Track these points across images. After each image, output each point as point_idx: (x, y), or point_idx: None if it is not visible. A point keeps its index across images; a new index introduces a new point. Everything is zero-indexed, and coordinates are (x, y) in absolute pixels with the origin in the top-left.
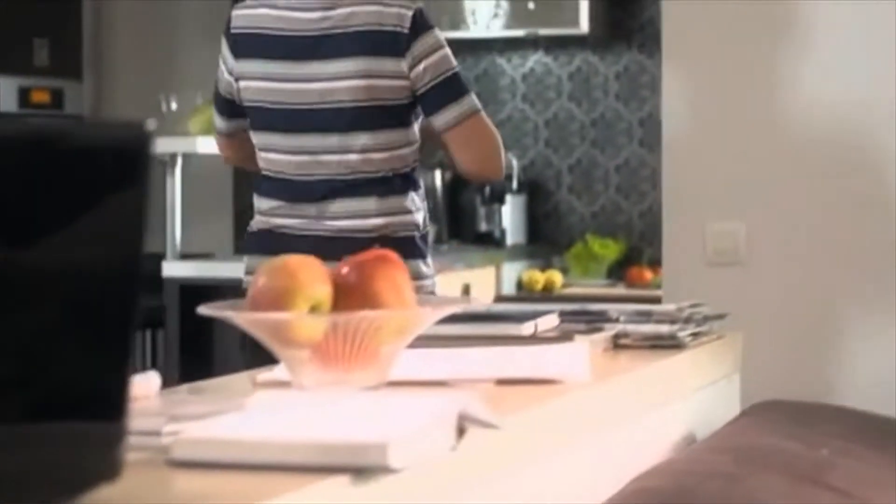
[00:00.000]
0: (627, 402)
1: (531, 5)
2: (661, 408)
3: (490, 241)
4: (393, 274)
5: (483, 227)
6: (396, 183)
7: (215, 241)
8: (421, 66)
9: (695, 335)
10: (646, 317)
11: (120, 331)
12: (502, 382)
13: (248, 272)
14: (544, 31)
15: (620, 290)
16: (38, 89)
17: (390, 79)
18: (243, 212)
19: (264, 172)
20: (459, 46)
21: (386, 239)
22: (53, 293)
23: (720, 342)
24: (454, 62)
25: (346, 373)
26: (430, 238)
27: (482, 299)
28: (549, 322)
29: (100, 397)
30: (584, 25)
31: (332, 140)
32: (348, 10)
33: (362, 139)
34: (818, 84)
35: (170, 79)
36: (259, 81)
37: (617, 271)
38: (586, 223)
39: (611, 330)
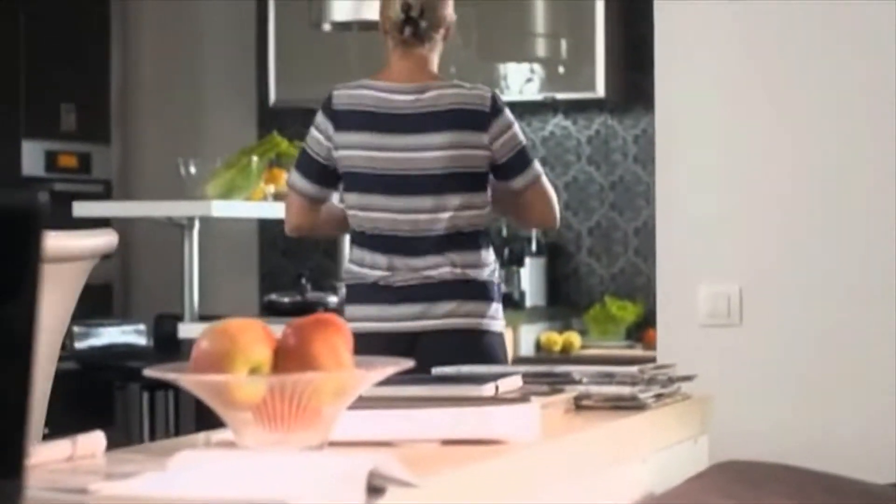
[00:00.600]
0: (577, 461)
1: (561, 69)
2: (616, 468)
3: (509, 303)
4: (331, 337)
5: (502, 288)
6: (475, 239)
7: (238, 303)
8: (500, 141)
9: (658, 396)
10: (608, 378)
11: (17, 392)
12: (448, 443)
13: (350, 320)
14: (562, 96)
15: (638, 351)
16: (65, 153)
17: (473, 149)
18: (269, 274)
19: (359, 230)
20: None
21: (460, 282)
22: None
23: (686, 403)
24: (522, 136)
25: (288, 433)
26: None
27: None
28: (511, 384)
29: None
30: (600, 89)
31: (426, 201)
32: (436, 92)
33: (451, 200)
34: (812, 145)
35: (191, 143)
36: (361, 151)
37: (635, 333)
38: (606, 285)
39: (572, 391)
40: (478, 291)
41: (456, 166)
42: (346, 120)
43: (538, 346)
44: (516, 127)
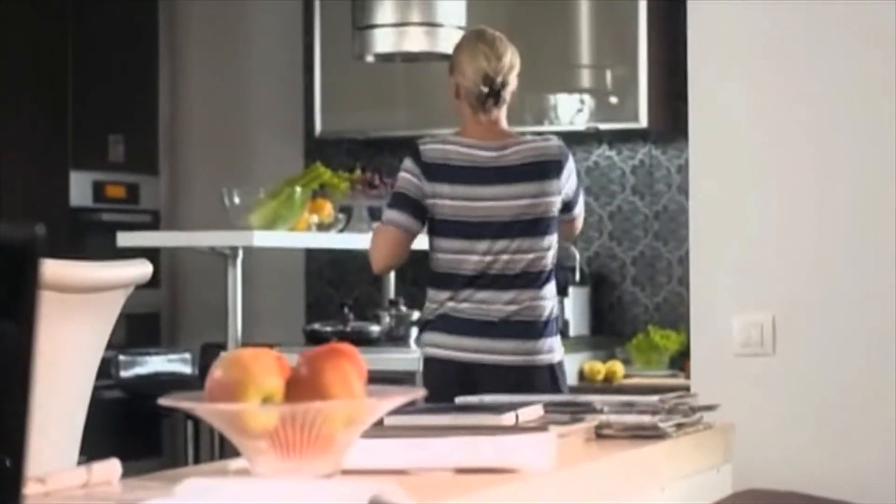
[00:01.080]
0: (593, 490)
1: (614, 99)
2: (634, 497)
3: None
4: (342, 366)
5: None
6: (541, 277)
7: (284, 332)
8: (569, 184)
9: (679, 426)
10: (629, 407)
11: (15, 419)
12: (463, 471)
13: (427, 344)
14: (605, 126)
15: (681, 380)
16: (113, 184)
17: (550, 196)
18: (315, 303)
19: (442, 271)
20: None
21: (520, 323)
22: None
23: (708, 433)
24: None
25: (301, 461)
26: None
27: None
28: (532, 413)
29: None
30: (643, 120)
31: (503, 244)
32: (515, 147)
33: (528, 243)
34: (845, 176)
35: (239, 173)
36: (449, 200)
37: (679, 362)
38: (649, 314)
39: (593, 420)
40: (536, 330)
41: (534, 213)
42: (436, 172)
43: (581, 376)
44: (575, 168)
